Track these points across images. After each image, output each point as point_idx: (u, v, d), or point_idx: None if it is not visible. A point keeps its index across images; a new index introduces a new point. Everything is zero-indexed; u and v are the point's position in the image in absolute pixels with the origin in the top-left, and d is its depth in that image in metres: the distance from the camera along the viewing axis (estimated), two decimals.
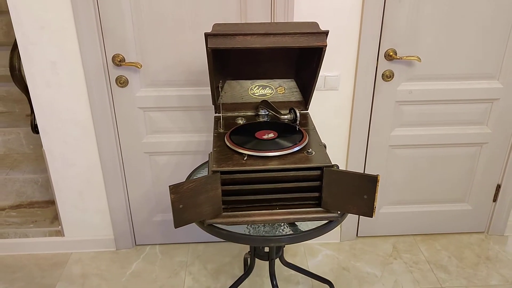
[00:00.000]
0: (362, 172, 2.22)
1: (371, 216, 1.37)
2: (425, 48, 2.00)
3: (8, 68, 2.17)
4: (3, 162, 2.63)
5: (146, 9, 1.86)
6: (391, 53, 2.00)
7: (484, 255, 2.32)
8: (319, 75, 1.96)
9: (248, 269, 1.96)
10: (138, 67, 1.93)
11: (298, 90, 1.76)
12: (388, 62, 2.03)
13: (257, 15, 1.89)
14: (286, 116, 1.55)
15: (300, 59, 1.65)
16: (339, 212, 1.44)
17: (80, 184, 2.21)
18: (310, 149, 1.44)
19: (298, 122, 1.55)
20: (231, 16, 1.89)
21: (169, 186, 1.30)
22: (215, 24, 1.41)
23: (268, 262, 1.85)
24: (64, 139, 2.10)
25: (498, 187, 2.35)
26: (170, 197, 1.31)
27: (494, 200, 2.39)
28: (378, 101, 2.11)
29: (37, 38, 1.89)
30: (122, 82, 1.99)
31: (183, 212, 1.34)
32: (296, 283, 2.13)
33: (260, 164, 1.38)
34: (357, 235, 2.45)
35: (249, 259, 1.99)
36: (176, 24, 1.90)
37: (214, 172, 1.36)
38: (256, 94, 1.75)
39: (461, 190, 2.36)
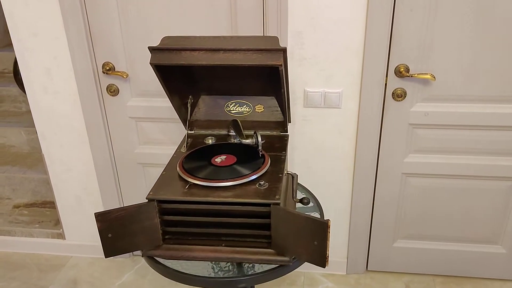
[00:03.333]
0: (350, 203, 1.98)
1: (323, 266, 1.17)
2: (443, 64, 1.71)
3: None
4: (25, 161, 2.73)
5: (134, 19, 1.79)
6: (402, 70, 1.74)
7: None
8: (320, 91, 1.79)
9: None
10: (124, 77, 1.87)
11: (279, 109, 1.58)
12: (399, 79, 1.77)
13: (248, 28, 1.74)
14: (247, 141, 1.39)
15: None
16: (293, 257, 1.25)
17: (77, 189, 2.21)
18: (263, 181, 1.27)
19: (260, 148, 1.38)
20: (222, 32, 1.76)
21: (95, 213, 1.20)
22: (164, 37, 1.28)
23: None
24: (61, 143, 2.11)
25: None
26: (97, 225, 1.21)
27: None
28: (388, 123, 1.86)
29: (32, 45, 1.90)
30: (112, 91, 1.94)
31: (114, 241, 1.24)
32: None
33: (203, 194, 1.24)
34: (366, 268, 2.20)
35: None
36: (163, 35, 1.80)
37: (150, 200, 1.24)
38: (232, 112, 1.60)
39: (492, 230, 2.01)
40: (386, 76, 1.77)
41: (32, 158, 2.75)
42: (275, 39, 1.24)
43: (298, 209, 1.52)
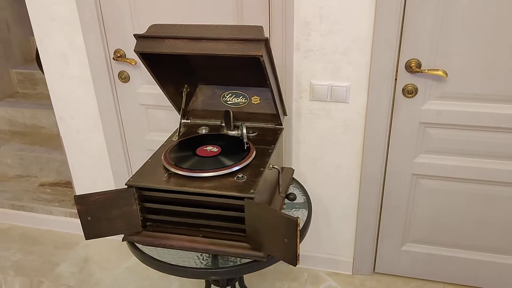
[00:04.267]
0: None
1: (295, 265, 1.14)
2: (459, 60, 1.60)
3: None
4: (53, 142, 2.85)
5: (145, 8, 1.80)
6: (413, 65, 1.64)
7: None
8: (326, 84, 1.73)
9: None
10: (132, 64, 1.89)
11: None
12: (410, 75, 1.68)
13: (254, 17, 1.71)
14: (233, 132, 1.36)
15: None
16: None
17: (93, 172, 2.28)
18: (242, 174, 1.25)
19: (245, 140, 1.36)
20: (228, 20, 1.74)
21: (74, 196, 1.23)
22: (152, 25, 1.28)
23: None
24: (77, 128, 2.18)
25: None
26: (76, 207, 1.24)
27: None
28: (398, 120, 1.77)
29: (50, 30, 1.97)
30: (123, 78, 1.97)
31: (93, 224, 1.26)
32: None
33: (180, 184, 1.23)
34: (374, 270, 2.12)
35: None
36: (173, 19, 1.80)
37: (129, 186, 1.26)
38: (229, 103, 1.58)
39: (509, 240, 1.87)
40: (396, 71, 1.68)
41: (59, 140, 2.86)
42: (259, 29, 1.20)
43: (287, 205, 1.48)
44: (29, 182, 2.73)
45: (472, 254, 1.95)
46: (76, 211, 2.42)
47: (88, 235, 1.28)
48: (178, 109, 1.55)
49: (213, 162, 1.31)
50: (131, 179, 1.27)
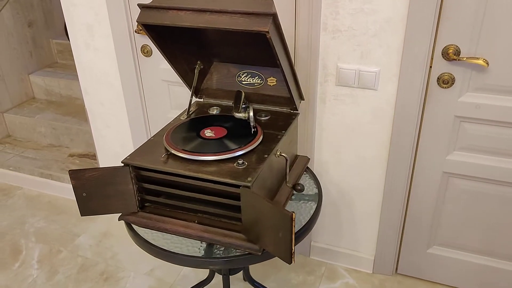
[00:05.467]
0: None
1: (289, 262, 1.05)
2: (503, 48, 1.42)
3: None
4: (84, 113, 2.87)
5: None
6: (450, 52, 1.48)
7: None
8: (354, 68, 1.60)
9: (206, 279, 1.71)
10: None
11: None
12: (447, 62, 1.51)
13: None
14: (240, 114, 1.27)
15: None
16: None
17: (115, 145, 2.27)
18: (242, 160, 1.16)
19: (252, 124, 1.26)
20: None
21: (69, 171, 1.20)
22: None
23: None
24: (101, 101, 2.16)
25: None
26: (71, 182, 1.21)
27: None
28: (430, 112, 1.61)
29: (77, 0, 1.94)
30: (146, 52, 1.92)
31: (88, 200, 1.23)
32: None
33: (176, 166, 1.17)
34: (396, 270, 1.99)
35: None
36: None
37: (125, 165, 1.20)
38: (243, 83, 1.49)
39: None
40: (432, 57, 1.52)
41: None
42: (268, 1, 1.09)
43: (296, 196, 1.38)
44: (60, 152, 2.77)
45: (506, 264, 1.77)
46: None
47: (83, 211, 1.24)
48: (189, 87, 1.47)
49: (216, 145, 1.23)
50: (128, 157, 1.21)
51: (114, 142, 2.26)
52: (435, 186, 1.73)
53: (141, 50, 1.93)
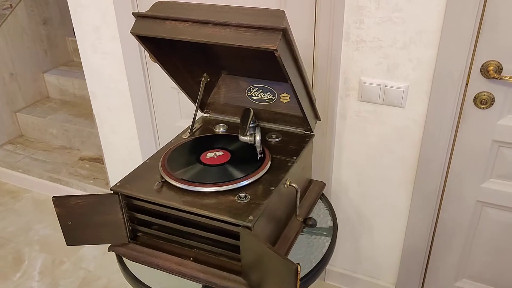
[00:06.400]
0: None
1: None
2: None
3: None
4: None
5: None
6: (491, 68, 1.29)
7: None
8: (379, 83, 1.43)
9: None
10: None
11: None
12: (487, 81, 1.32)
13: None
14: (245, 138, 1.12)
15: None
16: None
17: (124, 154, 2.17)
18: (245, 193, 1.01)
19: (259, 150, 1.12)
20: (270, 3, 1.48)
21: (52, 197, 1.08)
22: (156, 2, 1.07)
23: None
24: (108, 106, 2.05)
25: None
26: (55, 210, 1.09)
27: None
28: (464, 135, 1.43)
29: (85, 1, 1.83)
30: None
31: (74, 230, 1.11)
32: None
33: (169, 198, 1.03)
34: None
35: None
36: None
37: (114, 192, 1.08)
38: (254, 98, 1.34)
39: None
40: (469, 74, 1.33)
41: None
42: (280, 14, 0.94)
43: (308, 228, 1.23)
44: (71, 154, 2.69)
45: None
46: (107, 191, 2.34)
47: (69, 241, 1.13)
48: (193, 101, 1.34)
49: (217, 172, 1.09)
50: (118, 184, 1.09)
51: (122, 149, 2.15)
52: (467, 215, 1.55)
53: (149, 55, 1.80)
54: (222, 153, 1.15)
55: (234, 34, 0.94)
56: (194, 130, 1.32)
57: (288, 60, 0.98)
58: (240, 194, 1.01)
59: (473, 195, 1.51)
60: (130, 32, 1.04)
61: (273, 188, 1.04)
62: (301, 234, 1.21)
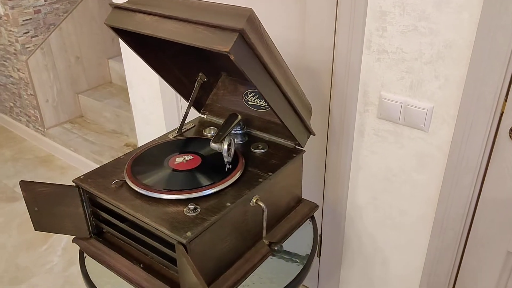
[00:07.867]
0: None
1: None
2: None
3: None
4: None
5: None
6: None
7: None
8: (400, 100, 1.27)
9: None
10: None
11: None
12: None
13: (319, 3, 1.31)
14: (215, 145, 1.03)
15: None
16: None
17: None
18: (194, 206, 0.93)
19: (227, 160, 1.02)
20: (290, 7, 1.37)
21: (20, 181, 1.08)
22: None
23: None
24: (142, 96, 2.07)
25: None
26: (22, 193, 1.09)
27: None
28: (496, 170, 1.20)
29: None
30: None
31: (40, 216, 1.11)
32: None
33: (123, 199, 0.99)
34: None
35: None
36: None
37: (75, 185, 1.05)
38: (250, 103, 1.25)
39: None
40: (505, 100, 1.11)
41: None
42: (244, 13, 0.84)
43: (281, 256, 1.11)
44: (119, 139, 2.78)
45: None
46: None
47: (37, 226, 1.12)
48: (187, 100, 1.27)
49: (179, 179, 1.02)
50: (81, 177, 1.06)
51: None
52: (496, 267, 1.31)
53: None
54: (192, 157, 1.08)
55: (191, 32, 0.86)
56: (184, 131, 1.26)
57: (252, 64, 0.87)
58: (189, 206, 0.93)
59: (503, 244, 1.27)
60: (104, 22, 1.01)
61: (229, 204, 0.94)
62: (274, 256, 1.09)
